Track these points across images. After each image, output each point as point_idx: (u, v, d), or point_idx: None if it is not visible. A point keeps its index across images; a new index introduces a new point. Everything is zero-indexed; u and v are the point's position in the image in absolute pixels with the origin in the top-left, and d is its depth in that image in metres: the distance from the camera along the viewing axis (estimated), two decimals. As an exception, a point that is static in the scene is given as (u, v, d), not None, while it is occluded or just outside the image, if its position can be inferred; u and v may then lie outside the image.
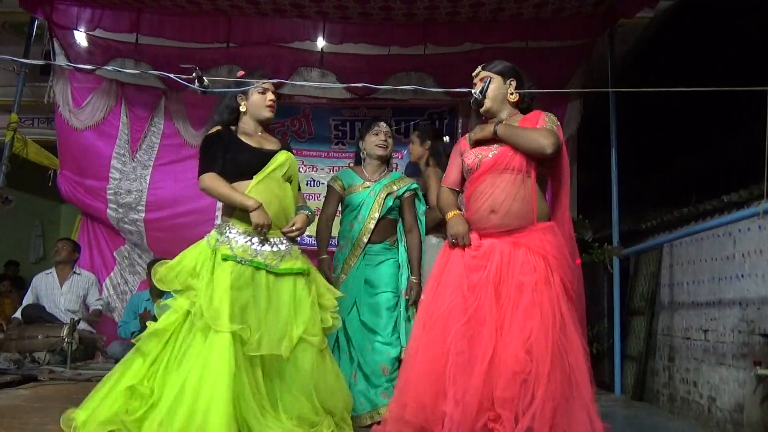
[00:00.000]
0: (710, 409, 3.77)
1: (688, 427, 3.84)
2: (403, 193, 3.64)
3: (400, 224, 3.69)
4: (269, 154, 2.98)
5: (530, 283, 2.55)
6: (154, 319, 4.49)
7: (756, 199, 3.43)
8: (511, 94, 2.81)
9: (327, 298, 3.01)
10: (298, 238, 3.05)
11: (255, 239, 2.88)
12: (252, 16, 5.09)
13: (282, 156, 2.99)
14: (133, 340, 2.85)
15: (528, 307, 2.52)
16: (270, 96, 3.05)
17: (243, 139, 3.00)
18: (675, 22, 5.04)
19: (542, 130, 2.68)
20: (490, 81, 2.80)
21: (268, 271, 2.86)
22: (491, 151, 2.74)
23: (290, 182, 3.04)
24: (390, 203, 3.59)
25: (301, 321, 2.85)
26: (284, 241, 2.95)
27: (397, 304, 3.51)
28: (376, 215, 3.54)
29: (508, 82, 2.82)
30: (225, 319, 2.65)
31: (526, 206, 2.64)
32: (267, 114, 3.05)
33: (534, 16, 4.80)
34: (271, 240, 2.91)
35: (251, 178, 2.90)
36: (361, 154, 3.72)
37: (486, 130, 2.77)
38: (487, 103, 2.80)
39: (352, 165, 3.85)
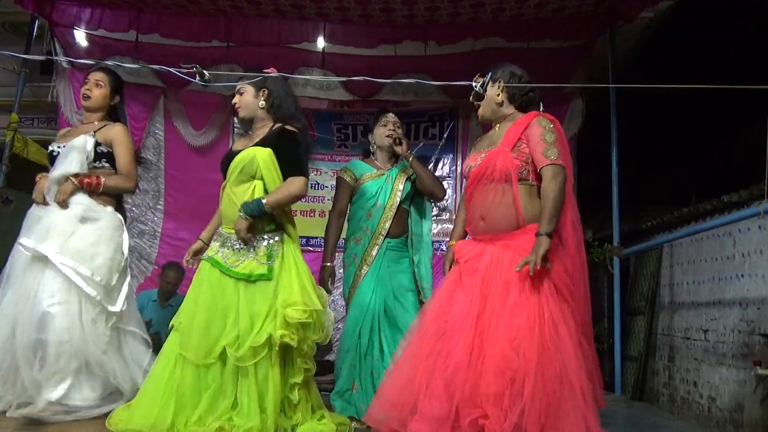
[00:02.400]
0: (710, 409, 3.77)
1: (688, 427, 3.84)
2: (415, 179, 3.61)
3: (409, 219, 3.63)
4: (234, 155, 2.95)
5: (516, 281, 2.56)
6: (149, 323, 4.49)
7: (756, 199, 3.43)
8: (498, 95, 2.80)
9: (291, 311, 2.72)
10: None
11: (220, 239, 2.94)
12: (252, 16, 5.08)
13: (238, 157, 2.92)
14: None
15: (515, 305, 2.53)
16: (234, 100, 3.07)
17: (235, 141, 3.11)
18: (675, 21, 5.04)
19: (550, 179, 2.60)
20: (489, 78, 2.82)
21: (222, 272, 2.84)
22: (477, 161, 2.78)
23: (255, 179, 2.90)
24: (408, 188, 3.55)
25: (234, 331, 2.73)
26: (243, 243, 2.86)
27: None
28: (397, 200, 3.51)
29: (496, 84, 2.81)
30: (179, 315, 2.88)
31: (510, 212, 2.67)
32: (239, 116, 3.09)
33: (534, 16, 4.80)
34: (232, 239, 2.88)
35: None
36: (371, 147, 3.71)
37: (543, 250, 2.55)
38: (480, 111, 2.87)
39: (360, 158, 3.83)
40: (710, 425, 3.72)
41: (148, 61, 5.29)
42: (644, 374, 4.74)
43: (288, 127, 2.98)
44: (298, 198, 2.95)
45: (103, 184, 3.22)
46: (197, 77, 2.96)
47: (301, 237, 5.54)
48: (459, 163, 5.60)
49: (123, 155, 3.29)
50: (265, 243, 2.85)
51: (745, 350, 3.46)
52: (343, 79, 5.03)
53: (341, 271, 3.75)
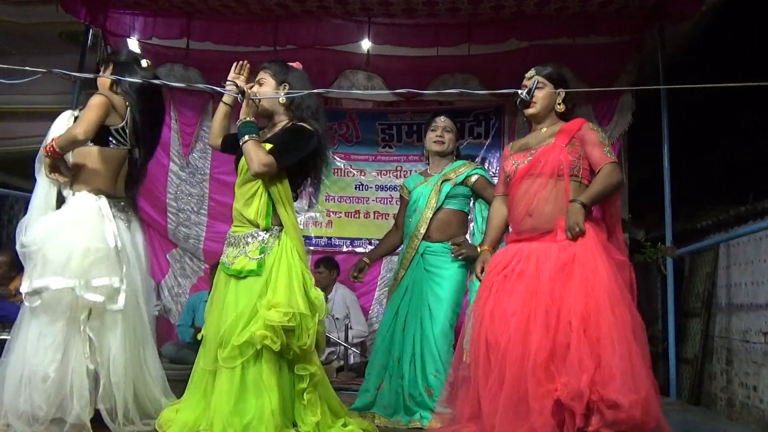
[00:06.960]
0: (771, 414, 3.63)
1: (747, 433, 3.71)
2: (464, 180, 3.51)
3: (477, 223, 3.58)
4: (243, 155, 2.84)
5: (569, 260, 2.59)
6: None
7: (817, 195, 3.30)
8: (559, 104, 2.88)
9: (272, 313, 2.56)
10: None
11: (227, 240, 2.87)
12: (298, 17, 5.13)
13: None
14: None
15: (581, 284, 2.54)
16: (253, 89, 2.90)
17: None
18: (728, 13, 4.89)
19: (610, 170, 2.70)
20: (537, 82, 2.84)
21: (225, 273, 2.79)
22: (527, 158, 2.82)
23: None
24: (448, 189, 3.48)
25: (222, 331, 2.63)
26: (243, 238, 2.77)
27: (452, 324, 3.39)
28: (433, 203, 3.47)
29: (557, 91, 2.87)
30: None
31: (559, 208, 2.70)
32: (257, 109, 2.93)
33: (580, 11, 4.71)
34: (233, 237, 2.82)
35: None
36: (425, 152, 3.73)
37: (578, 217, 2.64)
38: (536, 108, 2.86)
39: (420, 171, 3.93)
40: (771, 431, 3.59)
41: (197, 67, 5.42)
42: (701, 378, 4.61)
43: (303, 124, 2.83)
44: (259, 164, 2.68)
45: (57, 145, 2.85)
46: (239, 97, 2.91)
47: (345, 238, 5.65)
48: (506, 161, 5.55)
49: (82, 116, 2.89)
50: (259, 238, 2.74)
51: (808, 353, 3.32)
52: (387, 92, 5.10)
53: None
